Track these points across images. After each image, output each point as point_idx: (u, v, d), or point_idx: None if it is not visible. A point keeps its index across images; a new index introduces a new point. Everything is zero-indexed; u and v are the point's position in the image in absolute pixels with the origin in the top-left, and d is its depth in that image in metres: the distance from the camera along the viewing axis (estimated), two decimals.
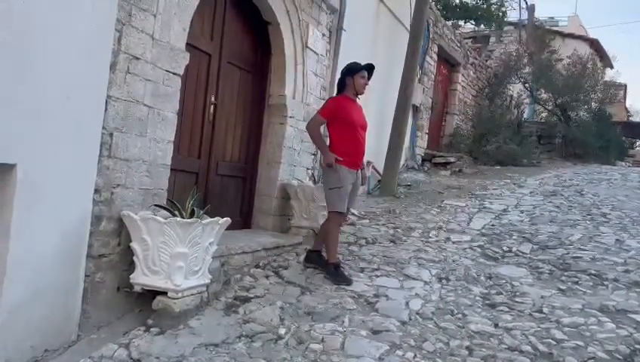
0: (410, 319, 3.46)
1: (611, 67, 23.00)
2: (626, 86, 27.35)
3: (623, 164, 16.65)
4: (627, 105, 29.29)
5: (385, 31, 7.68)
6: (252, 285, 3.91)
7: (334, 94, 4.69)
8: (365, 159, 7.45)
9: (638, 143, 26.67)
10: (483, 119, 11.89)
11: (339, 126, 4.23)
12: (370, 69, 4.38)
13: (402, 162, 8.75)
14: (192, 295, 3.24)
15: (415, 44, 7.66)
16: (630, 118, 27.51)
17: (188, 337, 3.02)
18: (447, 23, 12.83)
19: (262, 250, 4.31)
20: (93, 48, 2.82)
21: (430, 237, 5.45)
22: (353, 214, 6.09)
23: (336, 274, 4.07)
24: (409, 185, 8.23)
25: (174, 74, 3.47)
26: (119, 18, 3.01)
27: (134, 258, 3.16)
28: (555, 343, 3.18)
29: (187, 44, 3.65)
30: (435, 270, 4.46)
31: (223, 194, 4.66)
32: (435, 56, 9.79)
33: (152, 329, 3.08)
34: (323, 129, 4.49)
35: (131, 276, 3.18)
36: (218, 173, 4.56)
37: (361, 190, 5.47)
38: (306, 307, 3.58)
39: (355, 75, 4.29)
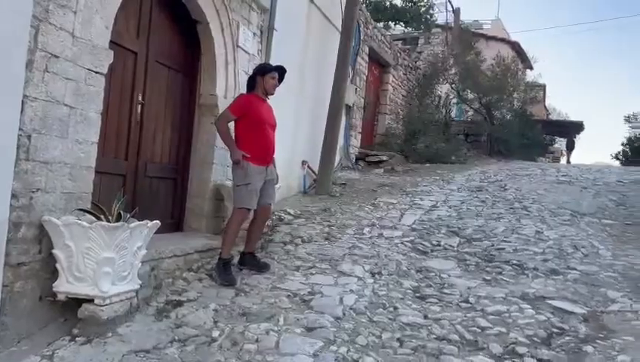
0: (344, 314, 3.52)
1: (531, 68, 24.22)
2: (545, 86, 29.06)
3: (544, 160, 17.74)
4: (547, 104, 31.12)
5: (316, 31, 7.76)
6: (184, 289, 3.84)
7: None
8: (300, 158, 7.58)
9: (557, 140, 28.41)
10: (413, 118, 12.26)
11: (248, 123, 4.25)
12: (281, 70, 4.49)
13: (337, 161, 8.86)
14: (120, 301, 3.13)
15: (346, 45, 7.78)
16: (550, 117, 29.20)
17: (117, 345, 2.92)
18: (377, 24, 13.13)
19: (195, 253, 4.23)
20: (6, 46, 2.67)
21: (364, 234, 5.56)
22: (287, 212, 6.11)
23: (222, 272, 4.04)
24: (344, 184, 8.35)
25: (97, 73, 3.35)
26: (35, 14, 2.87)
27: (57, 265, 3.02)
28: (480, 331, 3.34)
29: (111, 42, 3.53)
30: (368, 266, 4.56)
31: (153, 196, 4.53)
32: (366, 57, 9.99)
33: (77, 339, 2.95)
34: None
35: (54, 284, 3.04)
36: (147, 175, 4.43)
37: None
38: (241, 308, 3.56)
39: (265, 75, 4.39)
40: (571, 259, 4.85)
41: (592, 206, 7.08)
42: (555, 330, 3.39)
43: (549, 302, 3.86)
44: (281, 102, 6.40)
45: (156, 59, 4.43)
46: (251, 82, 4.45)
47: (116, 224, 3.01)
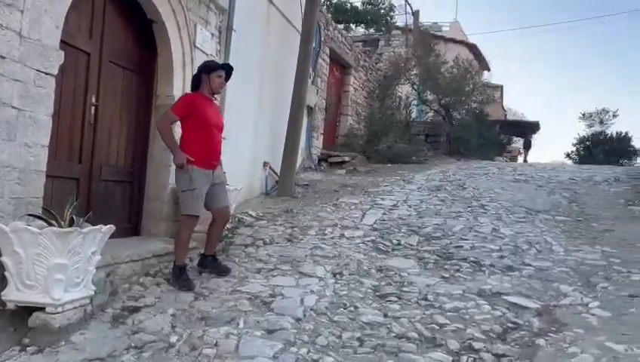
0: (304, 315, 3.52)
1: (488, 70, 24.93)
2: (502, 87, 29.84)
3: (501, 159, 18.19)
4: (504, 105, 31.95)
5: (276, 32, 7.74)
6: (142, 294, 3.76)
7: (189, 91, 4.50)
8: (262, 160, 7.54)
9: (514, 140, 29.20)
10: (375, 119, 12.39)
11: (192, 125, 4.07)
12: (227, 68, 4.35)
13: (299, 162, 8.87)
14: (73, 308, 3.04)
15: (307, 46, 7.80)
16: (507, 117, 29.96)
17: (70, 354, 2.83)
18: (338, 26, 13.20)
19: (152, 257, 4.15)
20: None
21: (326, 235, 5.57)
22: (248, 214, 6.07)
23: (178, 278, 3.97)
24: (306, 185, 8.35)
25: (47, 74, 3.24)
26: None
27: (6, 273, 2.91)
28: (438, 328, 3.40)
29: (62, 41, 3.43)
30: (329, 266, 4.57)
31: (109, 200, 4.42)
32: (327, 59, 10.03)
33: (28, 349, 2.85)
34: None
35: (3, 292, 2.93)
36: (102, 179, 4.32)
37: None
38: (200, 312, 3.51)
39: (211, 73, 4.19)
40: (526, 256, 5.00)
41: (546, 203, 7.32)
42: (510, 325, 3.48)
43: (505, 297, 3.96)
44: (241, 104, 6.40)
45: (110, 59, 4.33)
46: (196, 81, 4.26)
47: (68, 229, 2.92)
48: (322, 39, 9.50)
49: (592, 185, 8.85)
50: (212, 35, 5.44)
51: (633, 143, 23.61)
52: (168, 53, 4.77)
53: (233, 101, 5.94)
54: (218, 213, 4.27)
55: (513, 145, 28.78)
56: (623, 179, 9.26)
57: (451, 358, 2.99)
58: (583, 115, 25.44)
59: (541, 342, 3.20)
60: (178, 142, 4.17)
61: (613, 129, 24.69)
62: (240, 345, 3.03)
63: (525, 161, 23.61)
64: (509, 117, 31.12)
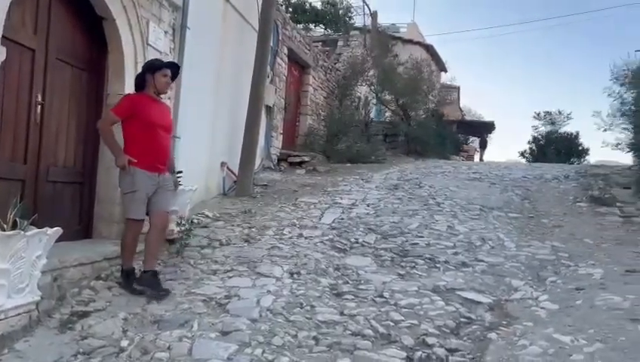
0: (260, 316, 3.49)
1: (445, 71, 25.42)
2: (459, 88, 30.52)
3: (458, 158, 18.58)
4: (461, 105, 32.67)
5: (233, 31, 7.65)
6: (92, 298, 3.65)
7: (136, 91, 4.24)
8: (219, 160, 7.45)
9: (471, 139, 29.89)
10: (334, 119, 12.43)
11: (135, 125, 3.89)
12: (173, 67, 4.20)
13: (258, 162, 8.81)
14: (17, 315, 2.92)
15: (264, 45, 7.75)
16: (464, 117, 30.63)
17: None
18: (297, 25, 13.18)
19: (103, 260, 4.03)
20: None
21: (284, 235, 5.55)
22: (205, 215, 5.98)
23: (126, 283, 3.85)
24: (265, 185, 8.30)
25: None
26: None
27: None
28: (393, 324, 3.44)
29: (4, 37, 3.28)
30: (287, 266, 4.56)
31: (57, 202, 4.26)
32: (285, 58, 10.00)
33: None
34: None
35: None
36: (49, 180, 4.16)
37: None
38: (153, 316, 3.44)
39: (156, 72, 4.01)
40: (479, 252, 5.12)
41: (500, 200, 7.52)
42: (463, 320, 3.56)
43: (459, 293, 4.04)
44: (197, 103, 6.29)
45: (57, 56, 4.17)
46: (140, 81, 4.09)
47: (10, 232, 2.80)
48: (280, 38, 9.46)
49: (543, 182, 9.15)
50: (165, 32, 5.32)
51: (582, 142, 24.53)
52: (119, 51, 4.63)
53: (188, 100, 5.83)
54: (153, 217, 3.96)
55: (470, 144, 29.48)
56: (572, 176, 9.62)
57: (405, 354, 3.03)
58: (538, 114, 26.21)
59: (493, 335, 3.29)
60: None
61: (565, 129, 25.57)
62: (193, 347, 2.98)
63: (481, 159, 24.17)
64: (467, 117, 31.83)
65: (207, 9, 6.57)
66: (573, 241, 5.53)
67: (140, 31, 4.79)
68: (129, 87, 4.68)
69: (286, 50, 9.95)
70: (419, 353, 3.05)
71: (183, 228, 4.93)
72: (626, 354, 2.97)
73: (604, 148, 22.69)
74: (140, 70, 4.66)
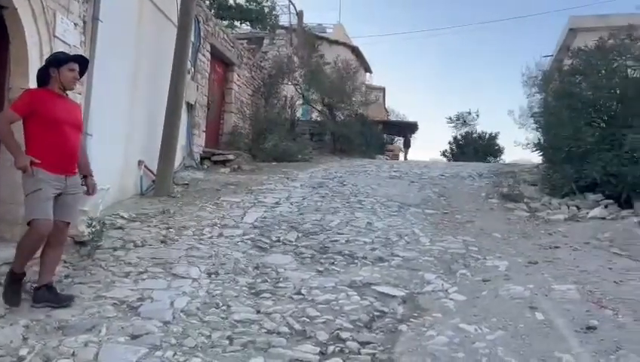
0: (174, 318, 3.42)
1: (370, 72, 26.04)
2: (384, 89, 31.35)
3: (383, 157, 19.08)
4: (387, 106, 33.55)
5: (150, 25, 7.40)
6: None
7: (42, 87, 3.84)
8: (136, 159, 7.18)
9: (396, 139, 30.76)
10: (260, 118, 12.38)
11: (37, 123, 3.56)
12: (81, 60, 3.90)
13: (179, 161, 8.60)
14: None
15: (184, 41, 7.56)
16: (389, 118, 31.48)
17: None
18: (222, 22, 12.99)
19: (3, 265, 3.77)
20: None
21: (204, 235, 5.46)
22: (120, 216, 5.75)
23: (7, 288, 3.51)
24: (186, 184, 8.11)
25: None
26: None
27: None
28: (309, 320, 3.47)
29: None
30: (205, 266, 4.48)
31: None
32: (208, 55, 9.81)
33: None
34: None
35: None
36: None
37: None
38: (57, 321, 3.27)
39: (61, 66, 3.68)
40: (396, 247, 5.28)
41: (417, 198, 7.80)
42: (376, 313, 3.65)
43: (374, 287, 4.15)
44: (110, 98, 6.04)
45: None
46: (43, 76, 3.75)
47: None
48: (202, 34, 9.28)
49: (459, 180, 9.60)
50: (75, 24, 5.06)
51: (499, 142, 25.96)
52: (22, 43, 4.35)
53: (101, 96, 5.58)
54: (56, 228, 3.58)
55: (395, 144, 30.36)
56: (485, 174, 10.15)
57: (319, 349, 3.07)
58: (450, 118, 27.42)
59: (403, 327, 3.41)
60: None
61: (482, 128, 26.95)
62: (100, 352, 2.87)
63: (406, 159, 24.92)
64: (392, 117, 32.72)
65: (122, 1, 6.32)
66: (483, 236, 5.84)
67: (45, 22, 4.52)
68: (34, 82, 4.41)
69: (209, 47, 9.77)
70: (332, 347, 3.10)
71: (93, 229, 4.70)
72: (524, 339, 3.18)
73: (516, 147, 24.04)
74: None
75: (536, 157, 10.27)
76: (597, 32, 9.48)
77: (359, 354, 3.05)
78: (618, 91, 7.81)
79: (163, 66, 7.64)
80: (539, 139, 9.38)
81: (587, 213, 6.57)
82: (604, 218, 6.34)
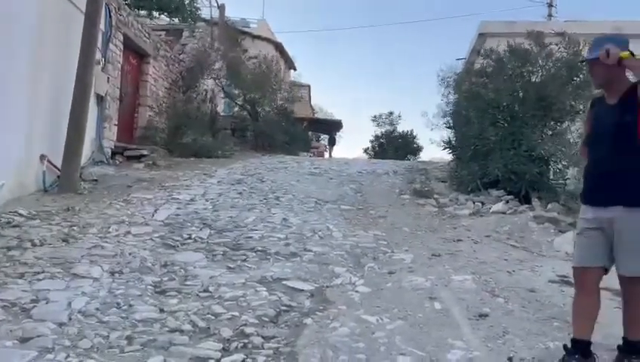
0: (70, 319, 3.24)
1: (294, 69, 26.14)
2: (310, 86, 31.54)
3: (306, 155, 19.25)
4: (313, 103, 33.82)
5: (54, 12, 6.96)
6: None
7: None
8: (38, 153, 6.75)
9: (322, 137, 31.11)
10: (178, 112, 12.05)
11: None
12: None
13: (88, 156, 8.20)
14: None
15: (92, 29, 7.19)
16: (315, 115, 31.78)
17: None
18: (139, 12, 12.49)
19: None
20: None
21: (110, 233, 5.24)
22: (17, 213, 5.40)
23: None
24: (95, 180, 7.75)
25: None
26: None
27: None
28: (214, 318, 3.42)
29: None
30: (108, 265, 4.30)
31: None
32: (120, 45, 9.40)
33: None
34: None
35: None
36: None
37: None
38: None
39: None
40: (309, 242, 5.35)
41: (335, 194, 7.94)
42: (283, 308, 3.67)
43: (285, 282, 4.17)
44: (7, 90, 5.64)
45: None
46: None
47: None
48: (114, 23, 8.88)
49: (375, 177, 9.88)
50: None
51: (418, 141, 26.99)
52: None
53: None
54: None
55: (321, 142, 30.70)
56: (400, 171, 10.53)
57: (221, 346, 3.04)
58: (375, 117, 28.21)
59: (309, 321, 3.45)
60: None
61: (404, 128, 27.90)
62: None
63: (331, 156, 25.28)
64: (318, 115, 33.05)
65: None
66: (394, 230, 6.05)
67: None
68: None
69: (121, 37, 9.37)
70: (235, 343, 3.08)
71: None
72: (421, 328, 3.34)
73: (431, 145, 25.17)
74: None
75: (450, 156, 10.79)
76: (504, 37, 10.09)
77: (262, 348, 3.05)
78: (520, 94, 8.37)
79: (71, 56, 7.23)
80: (449, 138, 9.86)
81: (490, 208, 7.00)
82: (504, 213, 6.78)
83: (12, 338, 2.94)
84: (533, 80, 8.13)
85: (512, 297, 3.96)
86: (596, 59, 2.67)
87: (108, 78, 8.74)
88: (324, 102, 62.91)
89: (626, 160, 2.65)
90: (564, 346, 2.80)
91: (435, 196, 7.90)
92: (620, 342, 2.85)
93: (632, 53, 2.60)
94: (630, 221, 2.64)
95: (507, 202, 7.13)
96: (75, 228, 5.25)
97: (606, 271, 2.79)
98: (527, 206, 6.92)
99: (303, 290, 4.03)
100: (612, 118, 2.70)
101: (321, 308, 3.70)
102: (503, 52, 8.74)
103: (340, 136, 33.17)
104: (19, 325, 3.12)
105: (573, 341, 2.78)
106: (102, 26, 7.94)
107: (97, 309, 3.44)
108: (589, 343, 2.76)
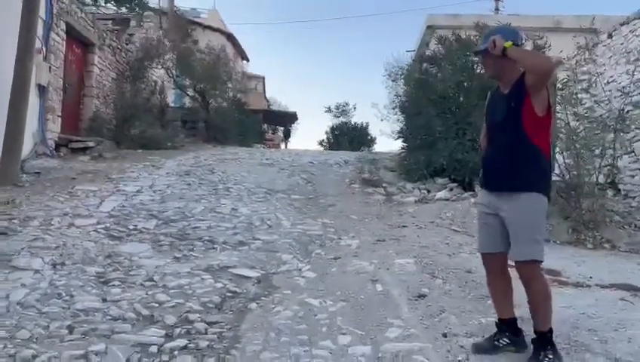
0: (7, 311, 3.19)
1: (247, 60, 25.91)
2: (264, 78, 31.31)
3: (261, 146, 19.22)
4: (268, 95, 33.59)
5: None
6: None
7: None
8: None
9: (279, 129, 31.01)
10: (125, 103, 11.77)
11: None
12: None
13: (30, 148, 7.93)
14: None
15: (30, 17, 6.92)
16: (270, 107, 31.62)
17: None
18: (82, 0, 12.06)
19: None
20: None
21: (52, 225, 5.11)
22: None
23: None
24: (38, 173, 7.52)
25: None
26: None
27: None
28: (157, 305, 3.44)
29: None
30: (50, 257, 4.21)
31: None
32: (63, 34, 9.09)
33: None
34: None
35: None
36: None
37: None
38: None
39: None
40: (258, 231, 5.40)
41: (285, 184, 8.01)
42: (228, 295, 3.72)
43: (231, 270, 4.21)
44: None
45: None
46: None
47: None
48: (55, 12, 8.58)
49: (326, 167, 10.00)
50: None
51: (371, 132, 27.36)
52: None
53: None
54: None
55: (276, 134, 30.62)
56: (351, 161, 10.68)
57: (164, 332, 3.06)
58: (329, 108, 28.43)
59: (253, 306, 3.52)
60: None
61: (357, 119, 28.24)
62: None
63: (286, 148, 25.28)
64: (273, 107, 32.88)
65: None
66: (342, 218, 6.18)
67: None
68: None
69: (63, 26, 9.06)
70: (179, 329, 3.11)
71: None
72: (363, 309, 3.46)
73: (382, 136, 25.53)
74: None
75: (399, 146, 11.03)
76: (450, 30, 10.38)
77: (206, 333, 3.09)
78: (465, 85, 8.65)
79: (8, 45, 6.95)
80: (401, 129, 10.08)
81: (435, 195, 7.23)
82: (448, 199, 7.02)
83: None
84: (478, 71, 8.41)
85: (451, 278, 4.15)
86: (486, 51, 2.72)
87: (50, 67, 8.45)
88: (279, 94, 62.66)
89: (513, 146, 2.68)
90: (496, 323, 2.92)
91: (384, 185, 8.08)
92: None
93: (514, 44, 2.64)
94: (513, 206, 2.67)
95: (451, 189, 7.39)
96: (14, 221, 5.09)
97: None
98: (470, 193, 7.19)
99: (249, 277, 4.09)
100: (502, 106, 2.75)
101: (267, 293, 3.78)
102: (450, 41, 9.00)
103: (296, 128, 33.20)
104: None
105: (500, 321, 2.89)
106: (42, 15, 7.66)
107: (37, 301, 3.39)
108: (514, 320, 2.88)
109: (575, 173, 6.06)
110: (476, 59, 8.76)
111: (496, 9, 19.95)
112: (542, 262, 2.69)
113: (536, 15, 13.74)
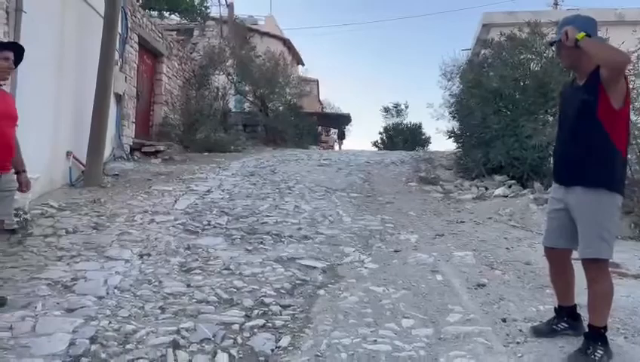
0: (107, 294, 3.63)
1: (302, 64, 26.42)
2: (318, 81, 31.80)
3: (316, 148, 19.59)
4: (321, 98, 34.05)
5: (76, 17, 7.36)
6: None
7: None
8: (64, 149, 7.16)
9: (332, 131, 31.33)
10: (191, 109, 12.44)
11: None
12: (16, 48, 3.59)
13: (109, 152, 8.60)
14: None
15: (111, 32, 7.58)
16: (324, 109, 32.02)
17: None
18: (150, 13, 12.88)
19: None
20: None
21: (135, 221, 5.62)
22: (49, 205, 5.82)
23: None
24: (117, 175, 8.16)
25: None
26: None
27: None
28: (236, 291, 3.80)
29: None
30: (137, 249, 4.68)
31: None
32: (136, 46, 9.80)
33: None
34: None
35: None
36: None
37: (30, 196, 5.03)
38: None
39: None
40: (320, 226, 5.70)
41: (344, 183, 8.28)
42: (298, 282, 4.04)
43: (299, 261, 4.53)
44: (35, 89, 6.04)
45: None
46: None
47: None
48: (130, 25, 9.27)
49: (383, 166, 10.19)
50: None
51: (425, 132, 27.13)
52: None
53: (25, 86, 5.60)
54: None
55: (330, 135, 30.98)
56: (408, 161, 10.83)
57: (244, 313, 3.41)
58: (386, 108, 28.43)
59: (321, 292, 3.81)
60: None
61: (411, 119, 28.09)
62: (37, 325, 3.06)
63: (340, 149, 25.53)
64: (326, 110, 33.26)
65: None
66: (400, 214, 6.38)
67: None
68: None
69: (136, 38, 9.76)
70: (256, 311, 3.45)
71: (22, 218, 4.78)
72: (424, 297, 3.69)
73: (438, 135, 25.24)
74: None
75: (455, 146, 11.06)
76: (507, 28, 10.33)
77: (281, 315, 3.41)
78: (521, 82, 8.64)
79: (90, 57, 7.63)
80: (453, 128, 10.15)
81: (493, 192, 7.29)
82: (506, 196, 7.07)
83: (60, 309, 3.34)
84: (534, 68, 8.38)
85: (509, 269, 4.29)
86: (560, 41, 2.63)
87: (125, 77, 9.15)
88: (333, 96, 63.16)
89: (585, 140, 2.62)
90: (555, 309, 3.03)
91: (441, 183, 8.20)
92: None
93: (588, 35, 2.53)
94: (580, 202, 2.62)
95: (509, 186, 7.43)
96: (103, 217, 5.65)
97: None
98: (528, 189, 7.21)
99: (315, 267, 4.39)
100: (576, 98, 2.68)
101: (333, 281, 4.06)
102: (503, 41, 9.00)
103: (349, 129, 33.38)
104: (64, 298, 3.51)
105: (559, 307, 2.98)
106: (119, 29, 8.31)
107: (131, 285, 3.83)
108: (574, 306, 2.96)
109: (637, 168, 5.99)
110: (530, 56, 8.75)
111: (555, 3, 19.43)
112: (608, 260, 2.63)
113: (598, 8, 13.35)
